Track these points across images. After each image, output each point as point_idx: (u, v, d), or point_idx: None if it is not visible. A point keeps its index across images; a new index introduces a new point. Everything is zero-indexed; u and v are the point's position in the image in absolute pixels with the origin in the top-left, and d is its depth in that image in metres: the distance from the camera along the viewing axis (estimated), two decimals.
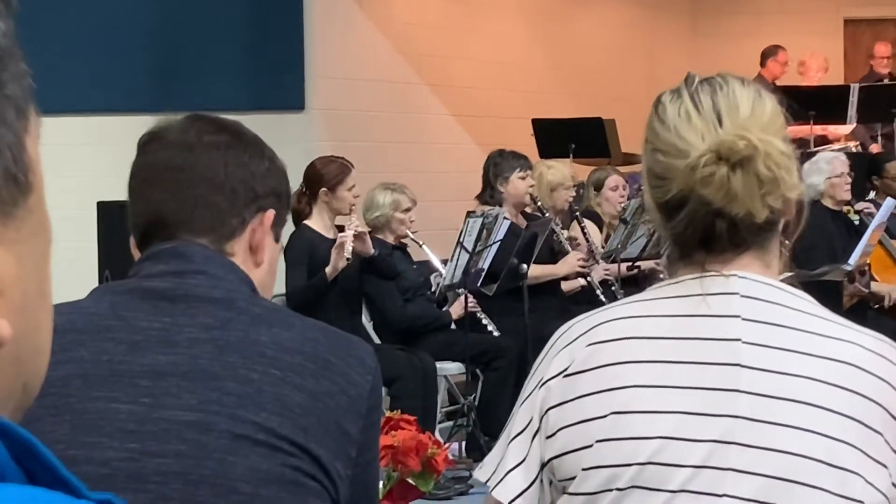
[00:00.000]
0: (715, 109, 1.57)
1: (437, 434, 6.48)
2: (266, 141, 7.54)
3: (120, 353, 1.61)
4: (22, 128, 0.67)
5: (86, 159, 8.16)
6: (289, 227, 6.41)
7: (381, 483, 4.15)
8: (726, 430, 1.50)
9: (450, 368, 6.71)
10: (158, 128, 1.76)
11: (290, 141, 8.04)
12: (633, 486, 1.52)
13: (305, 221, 6.32)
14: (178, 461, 1.55)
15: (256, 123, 8.25)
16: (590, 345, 1.58)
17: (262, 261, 1.74)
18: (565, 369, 1.59)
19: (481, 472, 1.67)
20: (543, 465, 1.60)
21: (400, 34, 9.41)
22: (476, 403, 6.52)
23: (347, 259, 5.95)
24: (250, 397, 1.57)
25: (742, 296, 1.55)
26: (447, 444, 5.84)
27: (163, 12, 8.28)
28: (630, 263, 7.45)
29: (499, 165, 7.21)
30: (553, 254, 7.33)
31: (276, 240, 1.80)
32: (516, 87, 10.33)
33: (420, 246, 6.79)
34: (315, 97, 8.68)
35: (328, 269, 5.99)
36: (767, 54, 11.23)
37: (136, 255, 1.74)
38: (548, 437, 1.59)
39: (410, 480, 4.14)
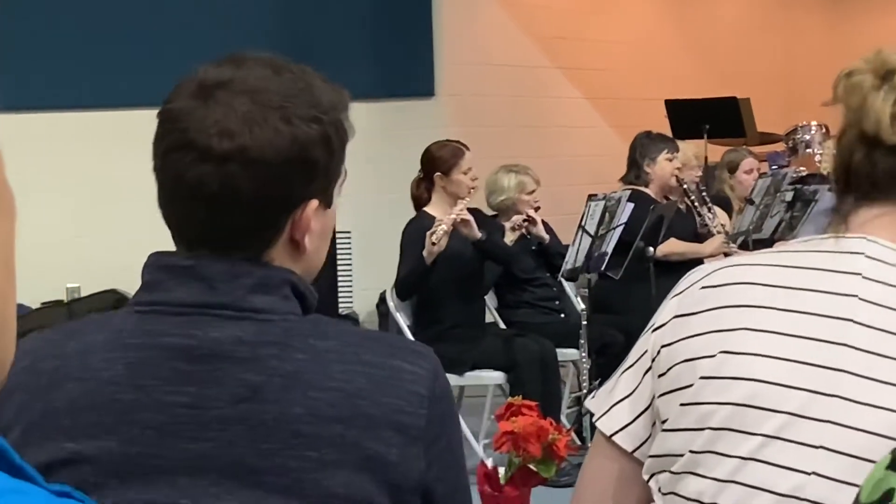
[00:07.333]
0: None
1: (563, 420, 6.44)
2: (397, 128, 7.56)
3: (149, 442, 1.49)
4: None
5: None
6: (408, 215, 6.43)
7: (502, 470, 4.13)
8: (829, 382, 1.47)
9: (571, 354, 6.66)
10: (173, 111, 1.53)
11: (421, 127, 8.06)
12: (726, 429, 1.49)
13: (425, 208, 6.31)
14: None
15: (387, 110, 8.28)
16: (704, 287, 1.57)
17: (305, 248, 1.57)
18: (680, 310, 1.57)
19: (592, 403, 1.65)
20: (652, 401, 1.58)
21: (529, 17, 9.36)
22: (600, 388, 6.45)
23: (433, 243, 5.90)
24: (290, 491, 1.47)
25: (867, 256, 1.52)
26: (570, 430, 5.79)
27: (292, 1, 8.36)
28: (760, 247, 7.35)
29: (646, 147, 7.24)
30: (696, 235, 7.30)
31: (329, 205, 1.60)
32: (648, 68, 10.21)
33: (534, 225, 6.68)
34: (445, 83, 8.68)
35: (424, 253, 5.96)
36: None
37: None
38: (660, 376, 1.57)
39: (532, 466, 4.12)
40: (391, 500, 1.51)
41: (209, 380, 1.49)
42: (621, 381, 1.62)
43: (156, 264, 1.55)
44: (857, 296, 1.50)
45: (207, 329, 1.50)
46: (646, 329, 1.61)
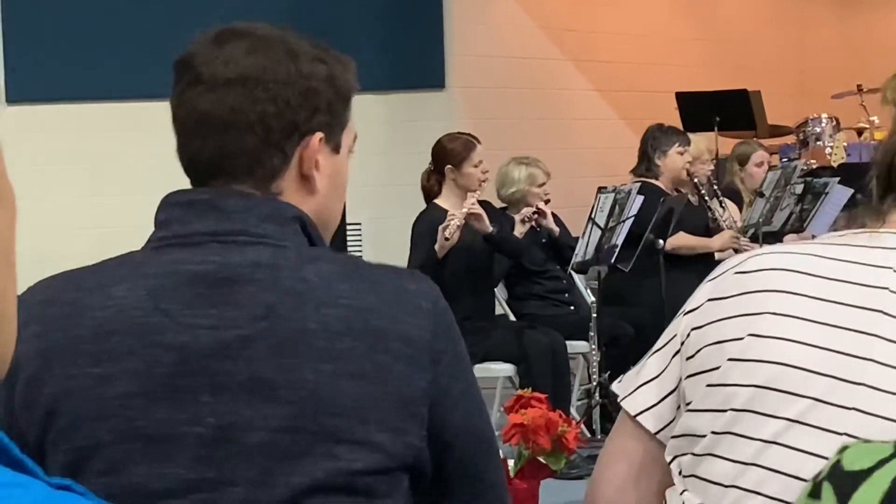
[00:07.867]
0: None
1: (573, 412, 6.44)
2: (407, 119, 7.56)
3: (173, 361, 1.54)
4: None
5: None
6: (419, 207, 6.44)
7: (511, 462, 4.13)
8: (856, 370, 1.47)
9: (581, 346, 6.66)
10: (188, 54, 1.63)
11: (431, 119, 8.06)
12: (748, 410, 1.49)
13: (435, 200, 6.30)
14: (249, 489, 1.52)
15: (398, 102, 8.27)
16: (738, 273, 1.58)
17: (317, 188, 1.64)
18: (713, 294, 1.58)
19: (618, 385, 1.66)
20: (679, 383, 1.59)
21: (540, 9, 9.35)
22: (609, 381, 6.46)
23: (446, 238, 5.91)
24: (308, 403, 1.53)
25: None
26: (579, 422, 5.78)
27: None
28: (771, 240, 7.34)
29: (658, 139, 7.23)
30: (706, 229, 7.32)
31: (337, 150, 1.67)
32: (659, 60, 10.20)
33: (544, 218, 6.69)
34: (455, 75, 8.68)
35: (436, 247, 5.97)
36: None
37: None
38: (688, 358, 1.57)
39: (541, 459, 4.12)
40: (399, 409, 1.56)
41: (229, 302, 1.55)
42: (649, 363, 1.62)
43: (171, 202, 1.62)
44: (888, 288, 1.50)
45: (226, 255, 1.57)
46: (678, 313, 1.62)
